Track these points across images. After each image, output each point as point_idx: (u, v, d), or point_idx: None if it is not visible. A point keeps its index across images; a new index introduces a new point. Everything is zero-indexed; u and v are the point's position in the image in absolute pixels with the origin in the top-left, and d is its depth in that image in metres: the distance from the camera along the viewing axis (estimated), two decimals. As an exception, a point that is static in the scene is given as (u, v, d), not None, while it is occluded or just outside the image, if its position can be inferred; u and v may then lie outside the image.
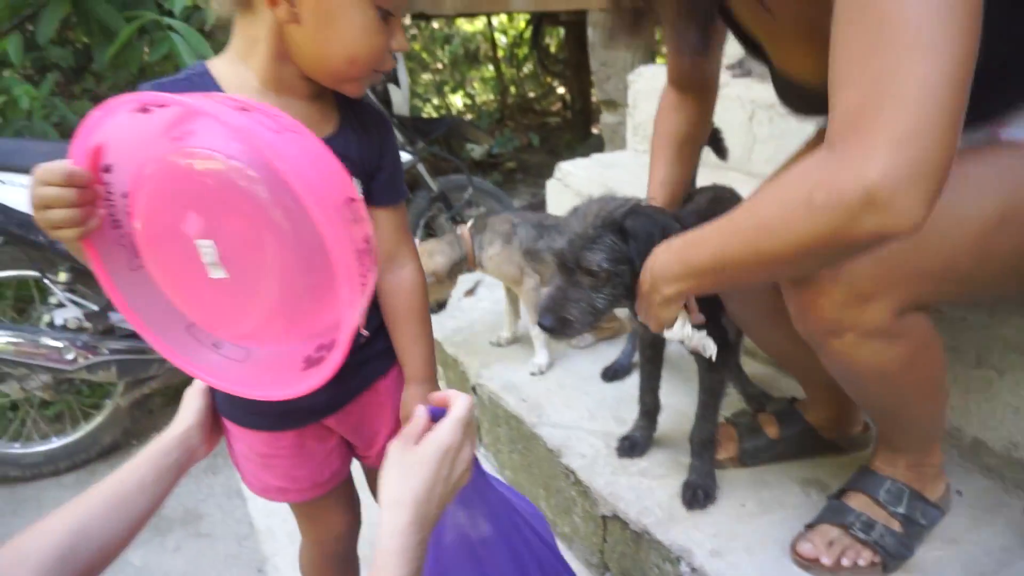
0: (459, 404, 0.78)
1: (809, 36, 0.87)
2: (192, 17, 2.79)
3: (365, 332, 0.76)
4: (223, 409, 0.96)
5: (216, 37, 2.82)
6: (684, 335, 0.97)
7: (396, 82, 2.73)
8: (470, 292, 2.08)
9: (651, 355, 1.30)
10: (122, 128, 0.67)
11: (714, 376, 1.19)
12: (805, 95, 1.00)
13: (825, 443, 1.26)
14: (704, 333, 0.99)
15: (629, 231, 0.99)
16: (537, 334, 1.68)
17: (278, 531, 1.73)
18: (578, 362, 1.69)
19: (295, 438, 0.99)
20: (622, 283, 1.02)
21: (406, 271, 0.98)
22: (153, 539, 1.91)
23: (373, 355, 1.00)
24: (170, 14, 2.67)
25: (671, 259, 0.89)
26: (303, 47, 0.80)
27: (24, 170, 1.99)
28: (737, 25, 1.02)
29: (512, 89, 6.68)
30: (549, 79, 6.87)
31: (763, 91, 1.91)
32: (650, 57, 3.06)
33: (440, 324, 1.92)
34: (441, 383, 1.92)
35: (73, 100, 3.21)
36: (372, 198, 0.93)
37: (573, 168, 2.15)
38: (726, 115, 2.01)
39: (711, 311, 1.20)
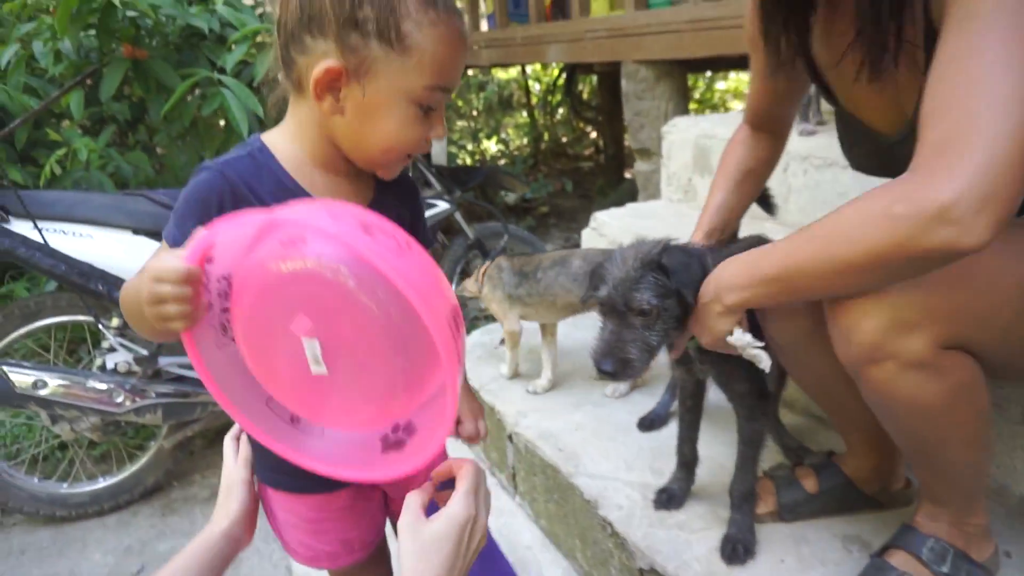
0: (468, 475, 0.78)
1: (894, 94, 0.97)
2: (242, 72, 2.93)
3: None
4: (269, 478, 0.99)
5: (263, 92, 2.96)
6: (743, 342, 1.00)
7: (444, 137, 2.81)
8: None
9: (691, 405, 1.31)
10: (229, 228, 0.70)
11: (753, 426, 1.19)
12: (868, 144, 1.08)
13: (865, 499, 1.25)
14: (762, 345, 1.01)
15: (668, 266, 1.04)
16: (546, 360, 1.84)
17: (316, 576, 1.75)
18: (614, 411, 1.70)
19: (347, 498, 1.02)
20: (671, 316, 1.06)
21: None
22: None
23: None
24: (222, 70, 2.81)
25: (738, 269, 0.96)
26: (345, 134, 0.86)
27: (85, 221, 2.10)
28: (815, 69, 1.11)
29: (545, 135, 6.79)
30: (582, 125, 6.99)
31: (798, 143, 1.94)
32: (683, 109, 3.11)
33: (476, 373, 1.95)
34: (478, 430, 1.94)
35: (127, 151, 3.36)
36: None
37: (608, 218, 2.18)
38: (760, 166, 2.04)
39: (759, 370, 1.21)
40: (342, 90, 0.82)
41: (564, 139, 7.18)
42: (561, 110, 7.01)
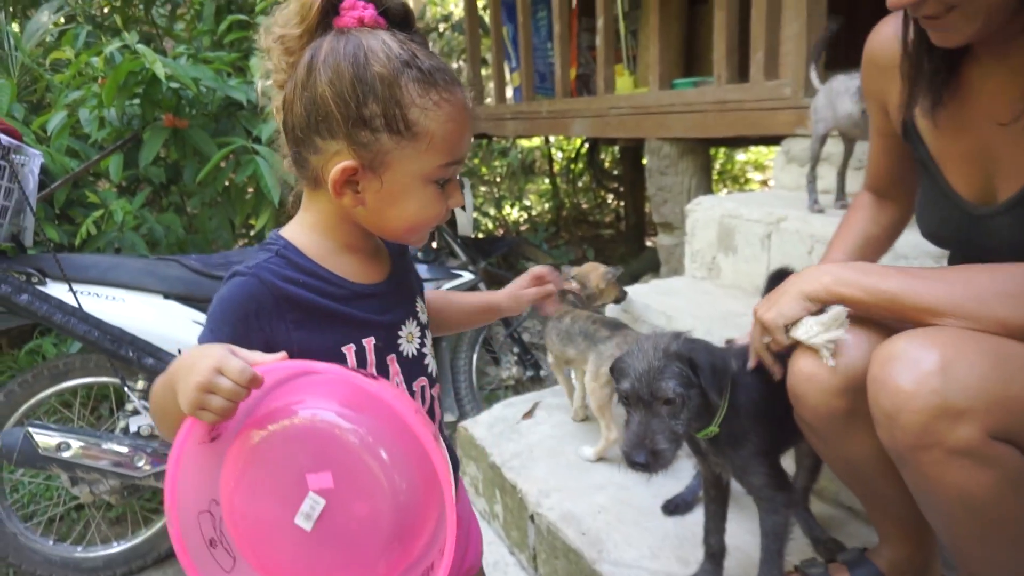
0: None
1: (985, 165, 1.01)
2: (276, 141, 3.02)
3: None
4: None
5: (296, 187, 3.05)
6: (811, 332, 1.02)
7: (462, 205, 2.88)
8: (528, 414, 2.09)
9: (715, 495, 1.29)
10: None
11: (774, 519, 1.17)
12: (958, 213, 1.08)
13: (900, 597, 1.21)
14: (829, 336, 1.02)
15: (697, 364, 1.08)
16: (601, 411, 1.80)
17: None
18: (638, 494, 1.68)
19: None
20: (694, 406, 1.10)
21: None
22: None
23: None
24: (257, 139, 2.91)
25: (848, 270, 1.03)
26: (369, 221, 0.89)
27: (119, 285, 2.15)
28: (919, 140, 1.13)
29: (567, 202, 6.89)
30: (603, 193, 7.08)
31: (821, 226, 1.95)
32: (706, 185, 3.15)
33: (499, 448, 1.93)
34: (495, 507, 1.92)
35: (160, 212, 3.45)
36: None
37: (633, 295, 2.19)
38: (786, 247, 2.05)
39: (772, 451, 1.20)
40: (360, 183, 0.85)
41: (586, 206, 7.27)
42: (583, 178, 7.12)
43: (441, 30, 6.07)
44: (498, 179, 7.29)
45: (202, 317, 2.24)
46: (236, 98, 2.91)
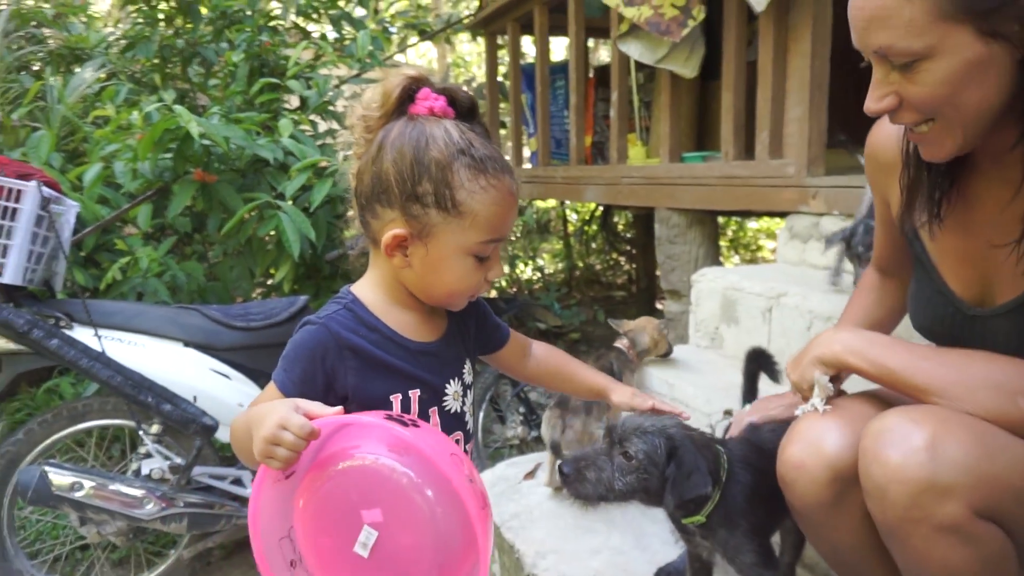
0: None
1: (985, 268, 1.05)
2: (299, 198, 3.15)
3: None
4: None
5: (317, 216, 3.17)
6: (823, 382, 1.10)
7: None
8: (530, 475, 2.13)
9: (699, 567, 1.33)
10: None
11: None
12: (953, 311, 1.12)
13: None
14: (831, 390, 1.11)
15: (680, 455, 1.13)
16: None
17: None
18: (633, 560, 1.70)
19: None
20: (644, 482, 1.15)
21: (535, 346, 1.28)
22: None
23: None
24: (281, 195, 3.03)
25: (859, 339, 1.08)
26: (414, 284, 1.00)
27: (141, 331, 2.24)
28: (916, 238, 1.17)
29: (579, 263, 6.99)
30: (616, 256, 7.19)
31: (820, 302, 2.02)
32: (714, 255, 3.23)
33: (499, 508, 1.97)
34: (495, 566, 1.94)
35: (184, 260, 3.57)
36: (493, 346, 1.21)
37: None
38: (786, 321, 2.11)
39: (763, 532, 1.24)
40: (409, 249, 0.97)
41: (599, 268, 7.37)
42: (597, 240, 7.23)
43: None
44: (512, 238, 7.42)
45: (219, 365, 2.32)
46: (263, 156, 3.05)
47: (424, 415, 1.02)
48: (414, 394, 1.01)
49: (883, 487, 0.93)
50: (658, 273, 5.67)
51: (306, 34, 4.59)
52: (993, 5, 0.85)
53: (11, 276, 2.07)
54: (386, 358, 0.99)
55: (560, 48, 8.70)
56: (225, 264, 3.43)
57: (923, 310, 1.18)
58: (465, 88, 1.02)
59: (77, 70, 4.26)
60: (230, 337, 2.34)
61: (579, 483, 1.15)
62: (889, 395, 1.11)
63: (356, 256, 2.97)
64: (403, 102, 0.96)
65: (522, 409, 2.89)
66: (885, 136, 1.18)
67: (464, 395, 1.09)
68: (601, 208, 6.30)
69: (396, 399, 1.00)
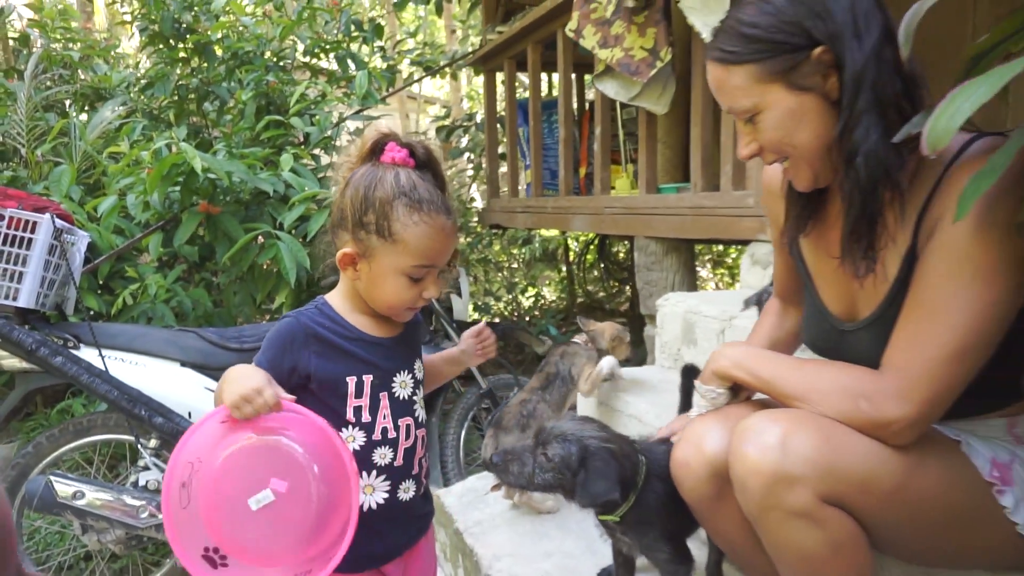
0: None
1: (851, 288, 1.21)
2: (298, 228, 3.35)
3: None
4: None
5: (314, 246, 3.37)
6: (704, 390, 1.30)
7: (459, 292, 3.14)
8: (496, 487, 2.27)
9: (622, 561, 1.47)
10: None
11: (671, 584, 1.34)
12: (823, 324, 1.29)
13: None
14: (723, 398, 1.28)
15: (589, 466, 1.27)
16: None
17: None
18: (582, 563, 1.83)
19: None
20: (559, 481, 1.30)
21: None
22: None
23: (424, 514, 1.33)
24: (281, 226, 3.24)
25: (741, 352, 1.25)
26: (364, 293, 1.22)
27: (142, 352, 2.43)
28: (800, 259, 1.34)
29: (579, 289, 7.14)
30: (615, 283, 7.33)
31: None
32: (690, 281, 3.38)
33: (464, 516, 2.11)
34: (459, 570, 2.08)
35: (191, 287, 3.78)
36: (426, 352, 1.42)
37: (609, 386, 2.39)
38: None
39: (676, 533, 1.37)
40: (358, 265, 1.19)
41: (602, 295, 7.51)
42: (598, 268, 7.39)
43: (465, 127, 6.53)
44: (515, 266, 7.59)
45: (213, 384, 2.50)
46: (264, 188, 3.26)
47: (375, 398, 1.23)
48: (367, 378, 1.22)
49: (743, 479, 1.08)
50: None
51: (313, 72, 4.84)
52: (789, 67, 1.06)
53: (25, 300, 2.27)
54: (344, 344, 1.21)
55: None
56: (229, 290, 3.63)
57: (808, 327, 1.34)
58: (423, 142, 1.24)
59: (100, 108, 4.55)
60: (224, 357, 2.52)
61: (504, 472, 1.33)
62: (770, 402, 1.25)
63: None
64: (374, 152, 1.20)
65: (502, 428, 3.03)
66: (774, 170, 1.36)
67: (414, 387, 1.29)
68: (598, 238, 6.46)
69: (352, 380, 1.21)
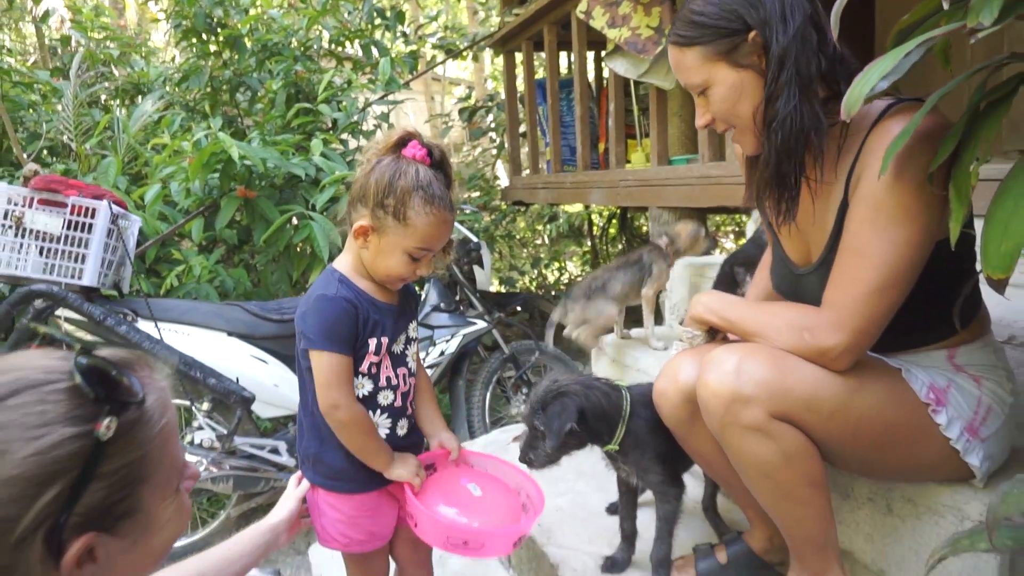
0: None
1: (805, 239, 1.38)
2: (329, 209, 3.56)
3: None
4: (324, 483, 1.45)
5: (343, 225, 3.58)
6: (685, 333, 1.48)
7: (481, 263, 3.34)
8: (517, 438, 2.47)
9: (626, 490, 1.65)
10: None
11: (665, 507, 1.52)
12: (783, 270, 1.46)
13: (768, 567, 1.53)
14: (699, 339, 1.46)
15: (545, 412, 1.46)
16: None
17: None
18: (591, 499, 2.03)
19: (377, 498, 1.47)
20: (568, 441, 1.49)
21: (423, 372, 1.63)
22: None
23: (416, 442, 1.55)
24: (313, 207, 3.45)
25: (713, 299, 1.43)
26: (367, 262, 1.40)
27: (192, 323, 2.67)
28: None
29: (603, 262, 7.29)
30: (639, 256, 7.46)
31: (763, 283, 2.30)
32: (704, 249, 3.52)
33: (487, 462, 2.31)
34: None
35: (232, 268, 4.03)
36: None
37: (610, 339, 2.58)
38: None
39: (667, 457, 1.55)
40: (369, 236, 1.37)
41: (626, 268, 7.65)
42: (622, 241, 7.52)
43: (487, 108, 6.68)
44: (539, 242, 7.76)
45: (258, 352, 2.74)
46: (296, 173, 3.48)
47: (383, 354, 1.44)
48: (384, 340, 1.43)
49: (707, 401, 1.25)
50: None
51: (339, 60, 5.04)
52: (730, 48, 1.24)
53: (89, 279, 2.52)
54: (371, 313, 1.41)
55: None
56: (267, 270, 3.88)
57: (774, 274, 1.51)
58: (439, 145, 1.42)
59: (139, 101, 4.81)
60: (266, 328, 2.76)
61: (532, 464, 1.53)
62: (739, 341, 1.42)
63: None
64: (399, 146, 1.38)
65: (524, 390, 3.23)
66: None
67: (406, 344, 1.50)
68: (620, 211, 6.60)
69: (373, 342, 1.41)
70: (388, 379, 1.46)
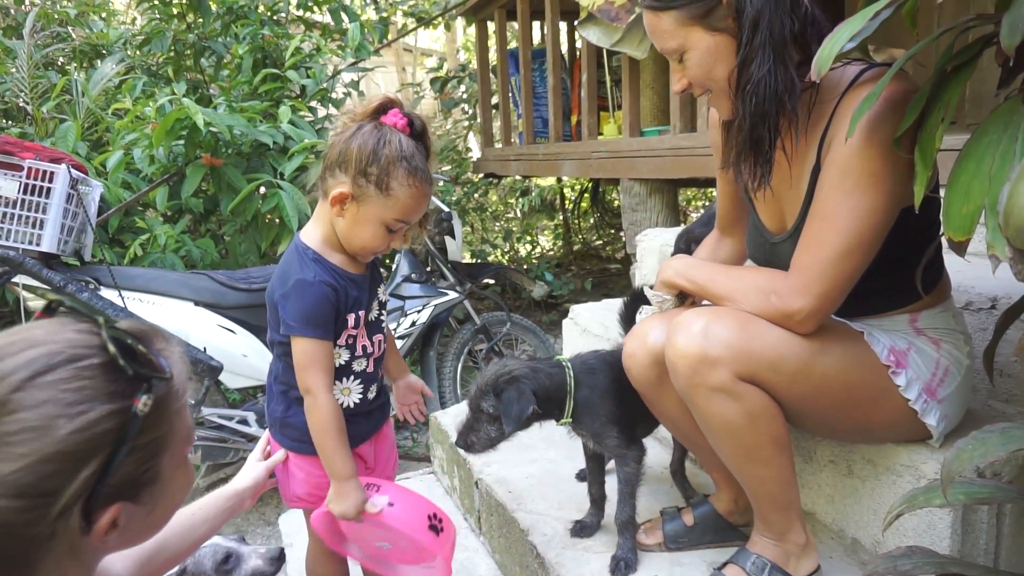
0: None
1: (780, 205, 1.39)
2: (298, 178, 3.50)
3: None
4: (292, 445, 1.45)
5: (313, 194, 3.53)
6: (655, 296, 1.49)
7: (452, 234, 3.32)
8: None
9: (592, 455, 1.67)
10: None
11: (625, 470, 1.54)
12: (759, 238, 1.47)
13: (733, 529, 1.56)
14: (669, 303, 1.47)
15: (501, 399, 1.45)
16: None
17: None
18: (561, 466, 2.05)
19: None
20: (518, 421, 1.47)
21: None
22: None
23: (383, 404, 1.56)
24: (282, 175, 3.40)
25: (683, 263, 1.44)
26: (341, 232, 1.36)
27: (158, 293, 2.62)
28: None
29: (575, 237, 7.30)
30: (612, 231, 7.49)
31: (732, 253, 2.32)
32: (674, 220, 3.54)
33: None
34: (455, 480, 2.30)
35: (198, 238, 3.95)
36: None
37: (584, 310, 2.59)
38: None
39: (622, 421, 1.57)
40: (347, 205, 1.33)
41: (599, 242, 7.68)
42: (594, 215, 7.54)
43: (459, 78, 6.60)
44: (513, 215, 7.74)
45: (225, 322, 2.70)
46: (264, 140, 3.41)
47: (359, 325, 1.43)
48: (362, 314, 1.42)
49: (674, 362, 1.27)
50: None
51: (308, 25, 4.92)
52: (705, 11, 1.22)
53: (47, 245, 2.46)
54: (348, 289, 1.38)
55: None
56: (234, 240, 3.81)
57: (749, 242, 1.53)
58: (420, 116, 1.38)
59: (98, 64, 4.65)
60: (234, 297, 2.72)
61: (471, 449, 1.53)
62: (709, 306, 1.44)
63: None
64: (378, 112, 1.34)
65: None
66: None
67: (380, 309, 1.49)
68: (592, 185, 6.60)
69: (352, 317, 1.40)
70: (364, 347, 1.45)
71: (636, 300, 1.74)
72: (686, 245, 2.27)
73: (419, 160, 1.32)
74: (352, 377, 1.45)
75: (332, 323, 1.35)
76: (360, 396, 1.47)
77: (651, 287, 1.52)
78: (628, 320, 1.75)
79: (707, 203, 7.90)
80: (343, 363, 1.43)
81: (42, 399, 0.67)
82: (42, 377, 0.68)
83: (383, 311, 1.51)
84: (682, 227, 2.54)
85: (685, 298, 1.49)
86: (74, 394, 0.68)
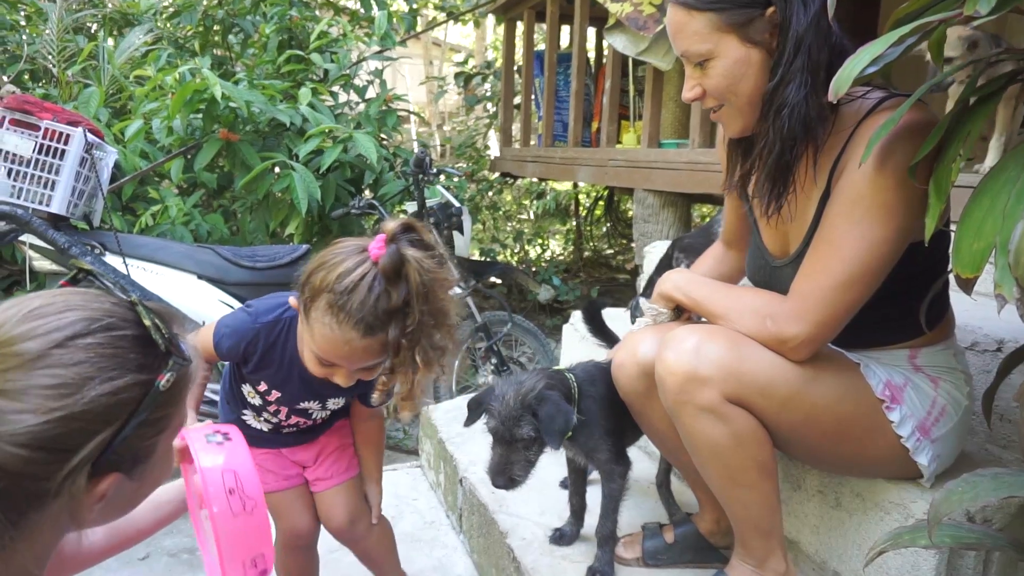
0: None
1: (785, 229, 1.35)
2: (312, 160, 3.50)
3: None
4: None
5: (328, 178, 3.53)
6: (647, 307, 1.46)
7: (461, 229, 3.30)
8: (481, 406, 2.46)
9: (575, 467, 1.66)
10: None
11: (611, 485, 1.52)
12: (760, 260, 1.44)
13: (714, 550, 1.54)
14: (655, 312, 1.44)
15: (540, 417, 1.40)
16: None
17: None
18: (548, 471, 2.02)
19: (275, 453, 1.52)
20: (543, 441, 1.44)
21: (369, 423, 1.60)
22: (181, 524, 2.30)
23: (317, 425, 1.55)
24: (296, 157, 3.39)
25: (682, 277, 1.41)
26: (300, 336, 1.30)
27: (163, 263, 2.62)
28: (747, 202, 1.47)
29: (587, 244, 7.27)
30: (624, 241, 7.45)
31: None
32: (686, 231, 3.51)
33: (448, 428, 2.31)
34: (440, 476, 2.29)
35: (210, 213, 3.96)
36: (363, 401, 1.51)
37: (580, 315, 2.57)
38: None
39: (614, 436, 1.54)
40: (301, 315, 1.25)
41: (610, 251, 7.65)
42: (607, 223, 7.51)
43: (484, 76, 6.59)
44: (524, 216, 7.72)
45: (227, 298, 2.69)
46: (282, 120, 3.41)
47: (268, 391, 1.41)
48: (276, 394, 1.40)
49: (663, 378, 1.24)
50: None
51: (337, 10, 4.92)
52: (745, 20, 1.18)
53: (57, 206, 2.46)
54: (279, 370, 1.36)
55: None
56: (245, 218, 3.81)
57: (749, 263, 1.50)
58: (415, 258, 1.17)
59: (127, 33, 4.67)
60: (238, 274, 2.71)
61: (514, 484, 1.45)
62: (704, 323, 1.41)
63: (358, 216, 3.32)
64: (395, 232, 1.17)
65: (494, 360, 3.22)
66: None
67: (320, 411, 1.49)
68: (606, 192, 6.57)
69: (262, 386, 1.39)
70: (275, 412, 1.46)
71: (593, 309, 1.71)
72: (672, 251, 2.26)
73: (357, 303, 1.12)
74: (263, 416, 1.48)
75: (231, 357, 1.36)
76: (270, 426, 1.51)
77: (647, 298, 1.50)
78: (596, 331, 1.73)
79: (722, 221, 7.85)
80: (256, 403, 1.45)
81: (79, 359, 0.70)
82: (82, 339, 0.71)
83: (323, 415, 1.50)
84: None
85: (681, 312, 1.47)
86: (108, 360, 0.71)
